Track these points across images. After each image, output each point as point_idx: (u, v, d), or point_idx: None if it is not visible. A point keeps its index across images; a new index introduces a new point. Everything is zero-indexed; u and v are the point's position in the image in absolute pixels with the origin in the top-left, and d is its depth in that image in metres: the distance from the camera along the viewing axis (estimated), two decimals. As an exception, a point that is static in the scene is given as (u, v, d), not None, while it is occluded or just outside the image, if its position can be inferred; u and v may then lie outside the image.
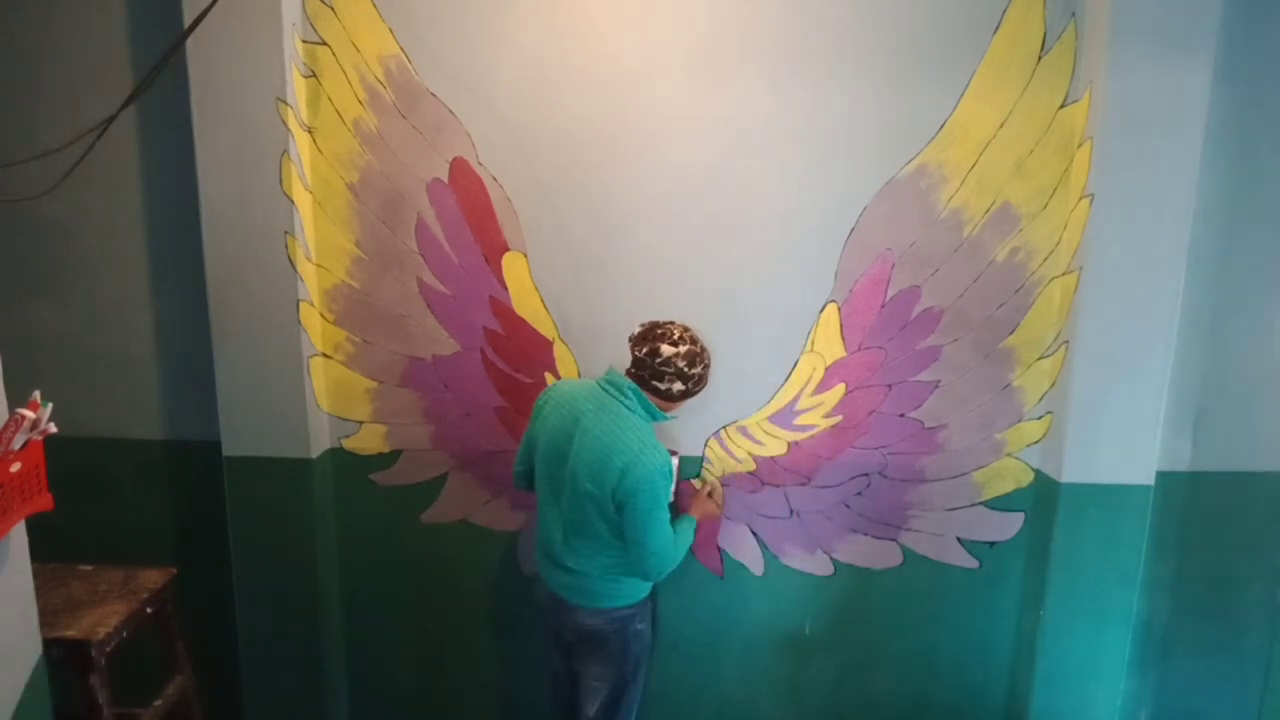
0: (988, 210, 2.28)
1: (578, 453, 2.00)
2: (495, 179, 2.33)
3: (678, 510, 2.13)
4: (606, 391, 2.04)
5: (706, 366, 2.09)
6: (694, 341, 2.05)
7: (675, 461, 2.18)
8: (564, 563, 2.10)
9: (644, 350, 2.02)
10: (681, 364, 2.01)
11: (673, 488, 2.09)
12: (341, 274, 2.41)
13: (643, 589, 2.15)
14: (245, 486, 2.43)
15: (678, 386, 2.03)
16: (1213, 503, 2.42)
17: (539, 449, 2.11)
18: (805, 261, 2.34)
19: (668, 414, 2.10)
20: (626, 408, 2.02)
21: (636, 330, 2.08)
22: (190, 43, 2.09)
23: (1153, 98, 2.09)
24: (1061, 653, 2.40)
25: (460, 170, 2.33)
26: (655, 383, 2.02)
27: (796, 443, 2.46)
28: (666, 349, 2.00)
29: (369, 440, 2.51)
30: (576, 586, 2.11)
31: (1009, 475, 2.45)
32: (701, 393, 2.12)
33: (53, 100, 2.33)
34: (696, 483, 2.46)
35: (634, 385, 2.03)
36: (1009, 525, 2.47)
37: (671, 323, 2.08)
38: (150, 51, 2.28)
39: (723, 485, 2.46)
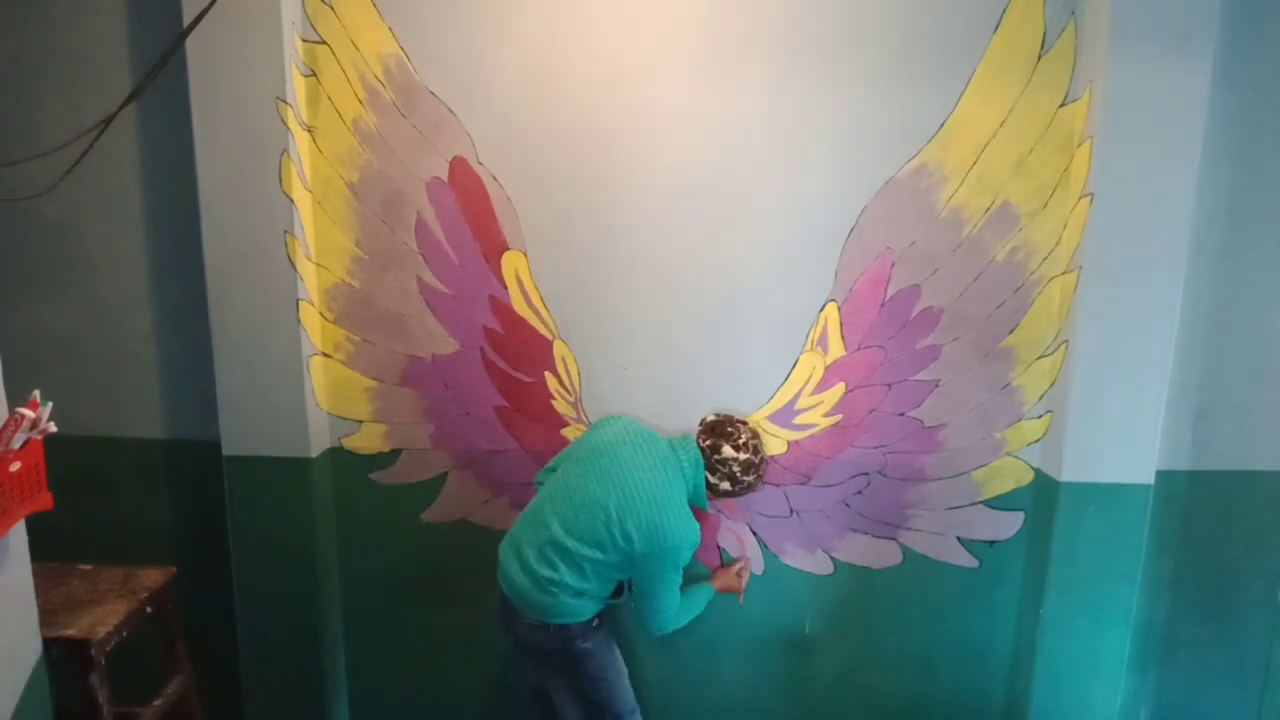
0: (987, 209, 2.28)
1: (617, 482, 2.03)
2: (495, 178, 2.33)
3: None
4: (673, 447, 2.12)
5: (759, 478, 2.19)
6: (756, 451, 2.15)
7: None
8: (529, 563, 2.08)
9: (707, 443, 2.13)
10: (736, 469, 2.12)
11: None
12: (341, 273, 2.41)
13: (587, 612, 2.12)
14: (245, 486, 2.43)
15: (725, 486, 2.13)
16: (1213, 502, 2.42)
17: (578, 454, 2.14)
18: (805, 261, 2.34)
19: (707, 502, 2.17)
20: (679, 468, 2.08)
21: (709, 418, 2.22)
22: (190, 42, 2.09)
23: (1153, 97, 2.09)
24: (1061, 652, 2.40)
25: (460, 169, 2.33)
26: (707, 474, 2.12)
27: (796, 442, 2.45)
28: (728, 450, 2.11)
29: (369, 439, 2.51)
30: (525, 593, 2.08)
31: (1009, 474, 2.45)
32: (753, 481, 2.20)
33: (53, 100, 2.33)
34: (734, 567, 2.46)
35: (700, 459, 2.11)
36: (1009, 524, 2.47)
37: (744, 423, 2.18)
38: (150, 51, 2.28)
39: (748, 568, 2.49)
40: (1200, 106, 2.10)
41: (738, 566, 2.44)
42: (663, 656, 2.62)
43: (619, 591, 2.18)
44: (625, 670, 2.27)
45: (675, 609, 2.10)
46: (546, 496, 2.13)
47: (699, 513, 2.19)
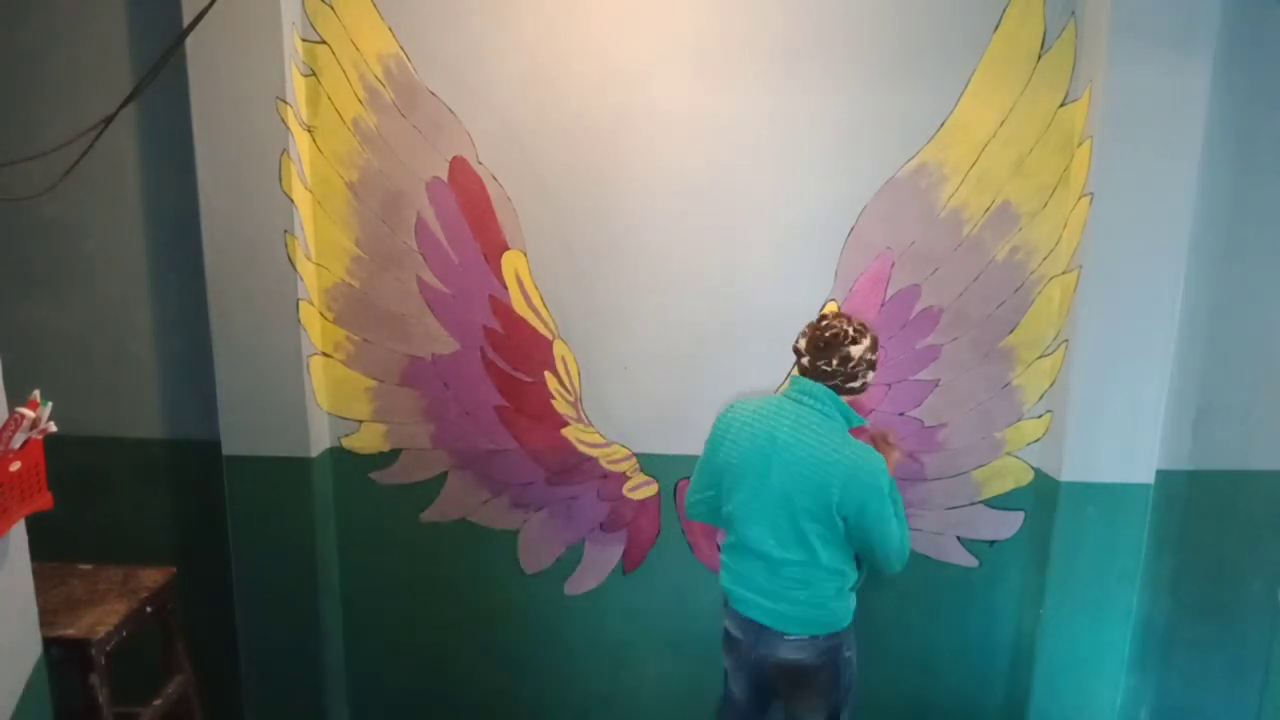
0: (987, 209, 2.28)
1: (785, 471, 1.94)
2: (495, 178, 2.33)
3: None
4: (799, 403, 1.98)
5: (878, 342, 2.04)
6: (864, 327, 1.99)
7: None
8: (783, 594, 2.00)
9: (834, 362, 1.94)
10: (870, 355, 1.97)
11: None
12: (341, 273, 2.41)
13: (849, 613, 2.06)
14: (245, 486, 2.43)
15: (871, 376, 1.99)
16: (1212, 501, 2.42)
17: (736, 475, 2.01)
18: (805, 260, 2.34)
19: (863, 416, 2.07)
20: (823, 414, 1.95)
21: (803, 342, 1.99)
22: (190, 42, 2.09)
23: (1153, 97, 2.09)
24: (1061, 651, 2.40)
25: (460, 169, 2.33)
26: (850, 384, 1.97)
27: (796, 442, 2.45)
28: (853, 349, 1.94)
29: (369, 439, 2.52)
30: (793, 618, 2.00)
31: (1009, 474, 2.45)
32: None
33: (53, 100, 2.33)
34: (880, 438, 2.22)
35: (830, 391, 1.96)
36: (1009, 524, 2.47)
37: (835, 318, 2.00)
38: (150, 51, 2.28)
39: (890, 430, 2.30)
40: (1200, 106, 2.10)
41: (880, 437, 2.21)
42: (664, 655, 2.62)
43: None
44: None
45: (901, 535, 1.98)
46: (746, 526, 2.01)
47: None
